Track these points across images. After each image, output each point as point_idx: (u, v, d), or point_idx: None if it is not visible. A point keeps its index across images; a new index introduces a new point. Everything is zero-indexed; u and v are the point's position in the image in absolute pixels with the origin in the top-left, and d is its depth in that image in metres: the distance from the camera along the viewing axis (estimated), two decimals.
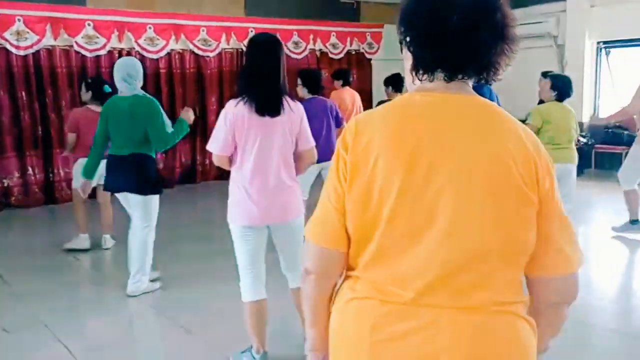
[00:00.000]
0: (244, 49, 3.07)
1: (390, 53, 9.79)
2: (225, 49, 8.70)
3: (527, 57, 8.22)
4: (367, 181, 1.14)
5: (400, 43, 1.22)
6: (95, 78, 5.92)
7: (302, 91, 5.11)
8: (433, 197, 1.10)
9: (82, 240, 5.16)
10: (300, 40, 9.45)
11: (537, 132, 4.54)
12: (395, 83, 5.90)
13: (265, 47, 2.69)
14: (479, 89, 1.36)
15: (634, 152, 5.24)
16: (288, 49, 9.15)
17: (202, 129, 8.41)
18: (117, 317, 3.82)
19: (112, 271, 4.84)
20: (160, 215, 4.10)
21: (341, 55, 9.99)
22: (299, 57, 9.44)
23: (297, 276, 2.82)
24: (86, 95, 5.23)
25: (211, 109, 8.64)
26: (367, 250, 1.17)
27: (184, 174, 8.59)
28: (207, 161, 8.50)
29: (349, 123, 1.24)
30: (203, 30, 8.41)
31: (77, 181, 4.70)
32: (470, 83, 1.21)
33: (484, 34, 1.12)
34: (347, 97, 6.30)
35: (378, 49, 10.34)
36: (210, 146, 2.76)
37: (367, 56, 10.32)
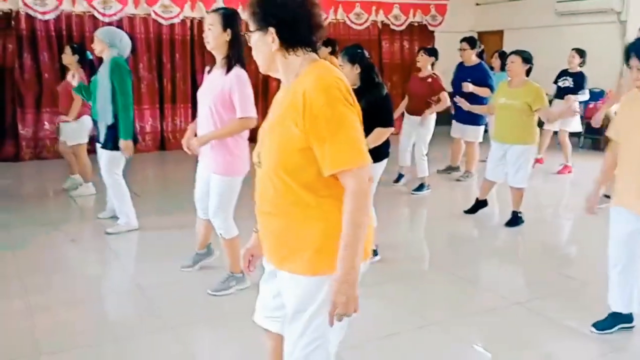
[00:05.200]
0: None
1: (455, 25, 9.93)
2: None
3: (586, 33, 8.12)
4: None
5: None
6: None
7: None
8: None
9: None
10: (362, 12, 9.79)
11: None
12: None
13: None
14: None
15: None
16: (350, 20, 9.55)
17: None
18: None
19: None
20: None
21: (403, 27, 10.25)
22: (361, 27, 9.81)
23: None
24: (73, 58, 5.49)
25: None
26: None
27: None
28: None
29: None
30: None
31: None
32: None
33: None
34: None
35: (442, 21, 10.49)
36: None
37: (430, 28, 10.50)
